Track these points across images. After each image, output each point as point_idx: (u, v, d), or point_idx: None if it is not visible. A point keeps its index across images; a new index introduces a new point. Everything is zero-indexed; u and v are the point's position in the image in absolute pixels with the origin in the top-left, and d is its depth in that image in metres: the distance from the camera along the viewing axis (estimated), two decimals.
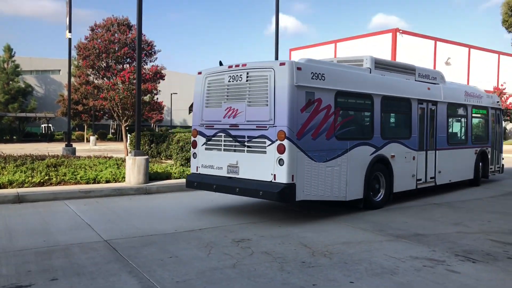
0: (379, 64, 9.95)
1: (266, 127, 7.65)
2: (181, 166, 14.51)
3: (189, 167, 14.04)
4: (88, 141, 46.80)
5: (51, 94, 54.36)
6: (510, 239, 6.71)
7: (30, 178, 10.95)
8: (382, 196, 9.45)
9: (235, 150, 8.25)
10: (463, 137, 12.82)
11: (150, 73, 20.73)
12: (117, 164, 13.85)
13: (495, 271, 5.22)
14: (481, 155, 13.41)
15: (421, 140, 10.66)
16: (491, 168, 14.19)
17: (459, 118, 12.78)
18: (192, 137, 9.25)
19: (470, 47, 55.44)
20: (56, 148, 28.55)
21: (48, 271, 5.00)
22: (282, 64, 7.55)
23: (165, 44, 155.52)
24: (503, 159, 15.12)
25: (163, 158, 19.13)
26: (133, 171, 11.51)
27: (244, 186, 7.85)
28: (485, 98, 13.90)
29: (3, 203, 9.35)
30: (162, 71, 21.80)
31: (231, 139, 8.31)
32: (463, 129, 12.89)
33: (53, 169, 12.29)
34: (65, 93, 46.59)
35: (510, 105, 37.25)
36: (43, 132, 51.18)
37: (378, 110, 9.29)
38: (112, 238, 6.53)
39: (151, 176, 12.25)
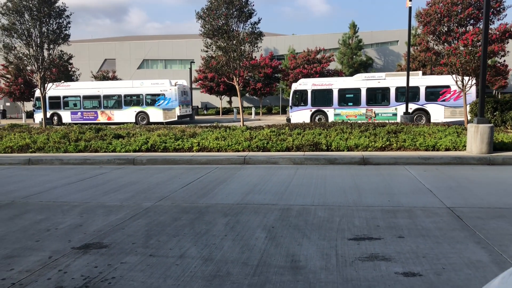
0: None
1: None
2: None
3: None
4: None
5: (389, 65, 56.58)
6: None
7: (373, 143, 11.84)
8: None
9: None
10: None
11: (498, 32, 18.56)
12: (457, 132, 13.31)
13: None
14: None
15: None
16: None
17: None
18: None
19: None
20: None
21: (395, 229, 5.29)
22: None
23: None
24: None
25: (508, 128, 17.12)
26: (475, 140, 10.77)
27: None
28: None
29: (350, 164, 10.51)
30: None
31: None
32: None
33: (393, 135, 12.93)
34: (403, 63, 47.62)
35: None
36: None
37: None
38: (455, 206, 6.33)
39: (495, 146, 11.19)
